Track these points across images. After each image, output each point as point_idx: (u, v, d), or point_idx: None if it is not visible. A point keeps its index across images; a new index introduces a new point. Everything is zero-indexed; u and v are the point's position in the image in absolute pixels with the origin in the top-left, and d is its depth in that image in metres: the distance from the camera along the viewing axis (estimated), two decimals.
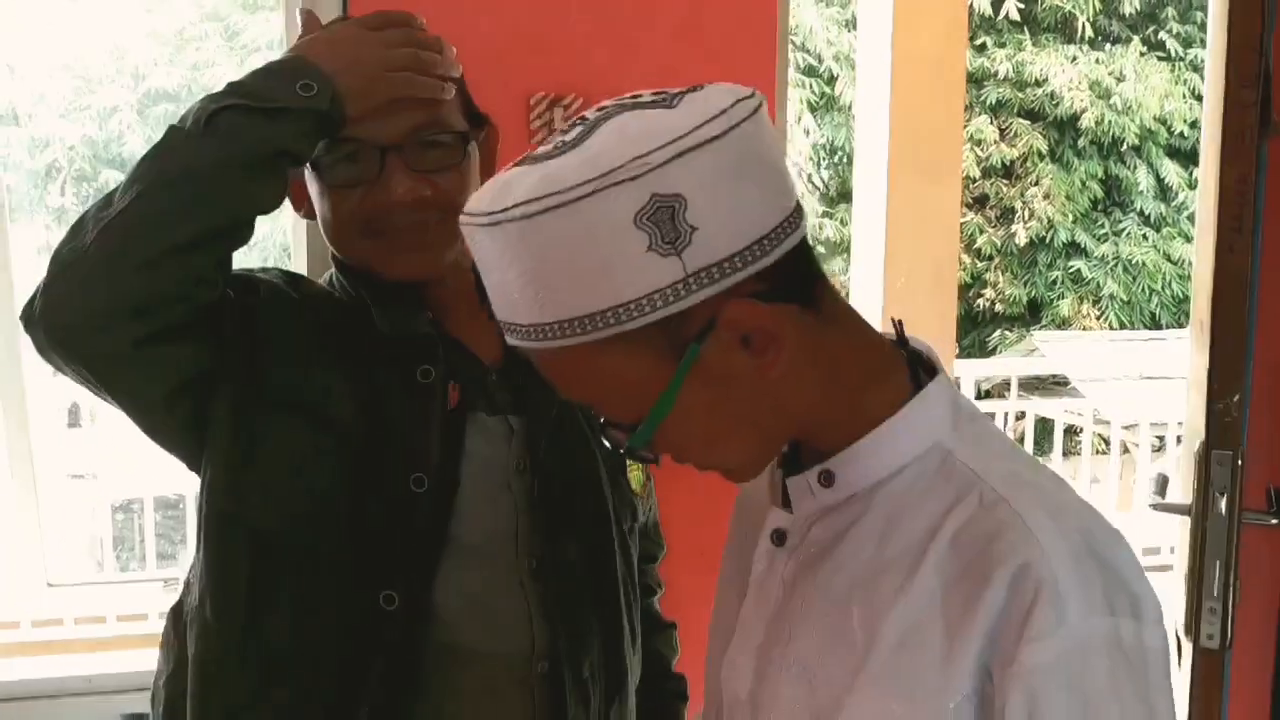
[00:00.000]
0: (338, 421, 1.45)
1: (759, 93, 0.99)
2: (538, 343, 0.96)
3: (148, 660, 1.67)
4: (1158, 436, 7.22)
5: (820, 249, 11.51)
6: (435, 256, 1.49)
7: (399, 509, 1.45)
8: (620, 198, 0.90)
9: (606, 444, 1.06)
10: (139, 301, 1.32)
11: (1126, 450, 7.16)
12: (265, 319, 1.47)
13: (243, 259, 1.49)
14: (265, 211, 1.40)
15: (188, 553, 6.05)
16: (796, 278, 1.00)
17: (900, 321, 1.12)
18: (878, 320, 5.28)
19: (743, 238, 0.94)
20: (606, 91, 2.39)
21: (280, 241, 9.86)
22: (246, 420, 1.44)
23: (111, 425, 5.35)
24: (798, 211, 0.99)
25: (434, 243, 1.47)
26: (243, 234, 1.39)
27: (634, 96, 0.99)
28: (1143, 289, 11.28)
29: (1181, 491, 2.40)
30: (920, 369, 1.08)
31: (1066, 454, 7.48)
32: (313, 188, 1.50)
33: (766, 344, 0.98)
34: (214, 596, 1.46)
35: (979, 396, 7.30)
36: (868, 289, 5.72)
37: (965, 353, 10.78)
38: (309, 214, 1.55)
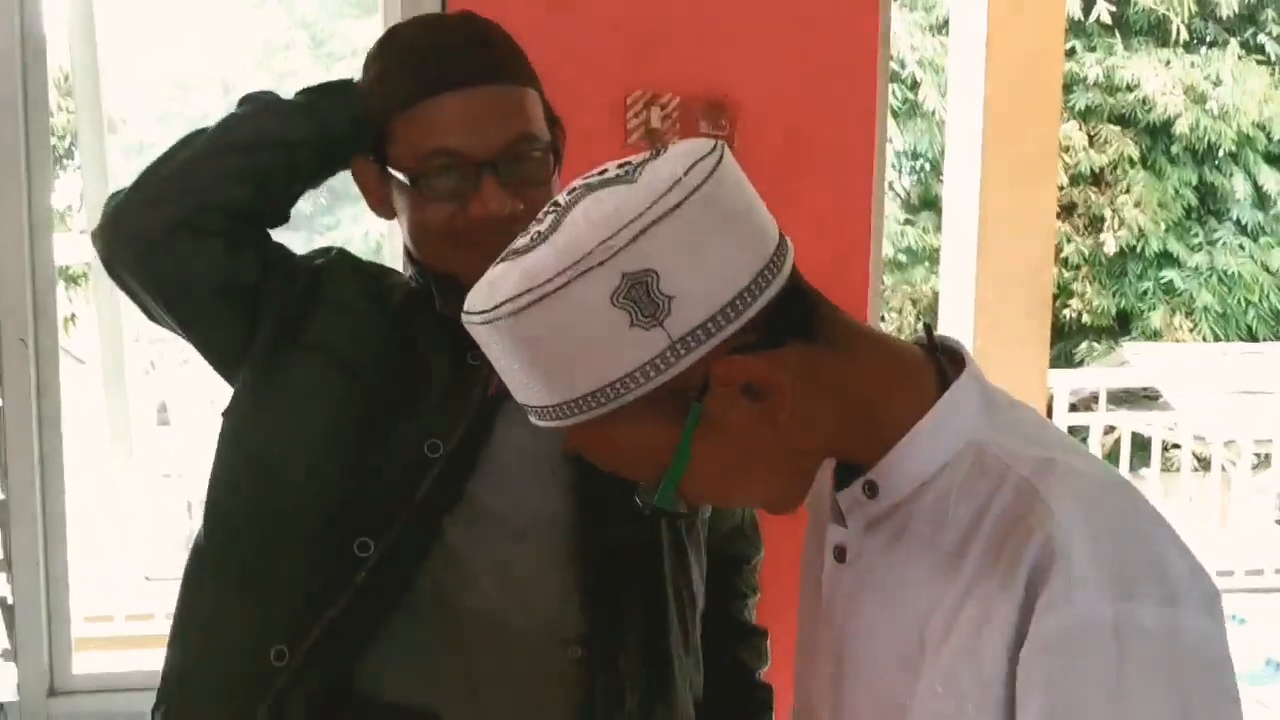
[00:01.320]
0: (359, 370, 1.53)
1: (720, 144, 1.01)
2: (552, 422, 1.02)
3: None
4: (1256, 454, 7.03)
5: (901, 257, 11.41)
6: None
7: (407, 468, 1.50)
8: (594, 283, 0.95)
9: (640, 505, 1.09)
10: (174, 190, 1.52)
11: (1224, 469, 6.98)
12: (327, 278, 1.60)
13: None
14: (297, 144, 1.56)
15: None
16: (790, 317, 1.02)
17: (929, 324, 1.14)
18: (968, 331, 5.24)
19: (721, 296, 0.97)
20: (703, 90, 2.40)
21: (374, 238, 9.96)
22: (279, 355, 1.55)
23: (199, 422, 5.41)
24: (780, 253, 1.01)
25: None
26: (270, 156, 1.55)
27: (600, 172, 1.02)
28: (1239, 301, 11.05)
29: None
30: (949, 370, 1.09)
31: (1163, 469, 7.30)
32: (401, 195, 1.55)
33: (768, 391, 1.00)
34: (207, 516, 1.57)
35: (1067, 410, 7.14)
36: (958, 298, 5.64)
37: (1051, 364, 10.62)
38: (387, 213, 1.60)
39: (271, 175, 1.56)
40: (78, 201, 8.24)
